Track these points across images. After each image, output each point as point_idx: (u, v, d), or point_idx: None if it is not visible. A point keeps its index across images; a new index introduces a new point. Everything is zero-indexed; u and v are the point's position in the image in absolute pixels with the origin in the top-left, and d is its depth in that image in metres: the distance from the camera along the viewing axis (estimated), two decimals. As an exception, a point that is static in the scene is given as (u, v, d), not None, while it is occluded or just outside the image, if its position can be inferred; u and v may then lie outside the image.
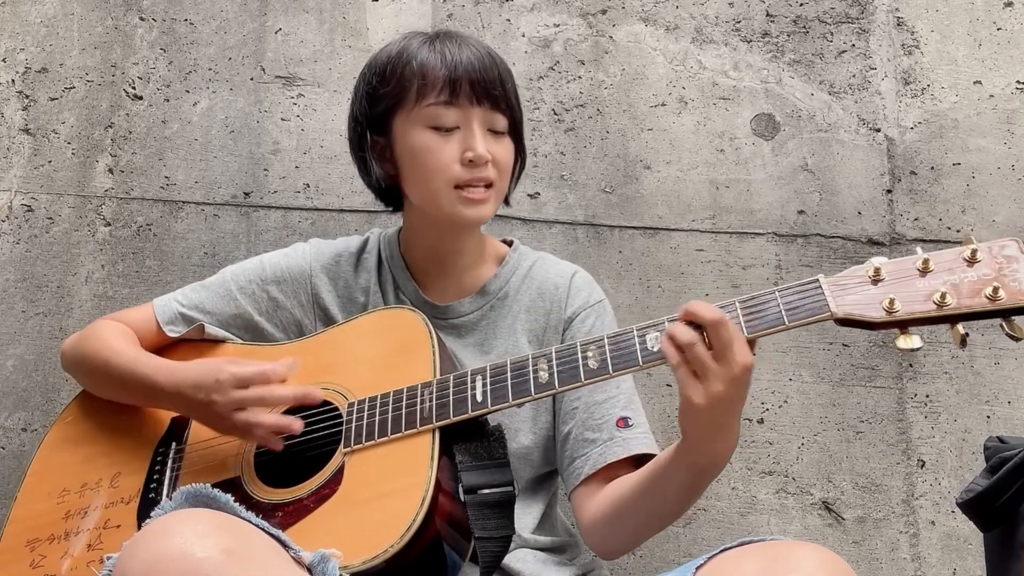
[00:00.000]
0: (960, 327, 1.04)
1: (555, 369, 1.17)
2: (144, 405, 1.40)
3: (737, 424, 1.14)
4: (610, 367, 1.14)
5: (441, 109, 1.32)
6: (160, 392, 1.32)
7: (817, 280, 1.09)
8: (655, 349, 1.13)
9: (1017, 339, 1.02)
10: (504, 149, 1.37)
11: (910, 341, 1.05)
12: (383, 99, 1.37)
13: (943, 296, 1.03)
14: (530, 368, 1.18)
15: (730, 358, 1.07)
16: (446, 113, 1.32)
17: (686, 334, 1.08)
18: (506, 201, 1.44)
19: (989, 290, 1.02)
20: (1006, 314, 1.02)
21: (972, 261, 1.04)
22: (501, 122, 1.36)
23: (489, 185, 1.34)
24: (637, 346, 1.14)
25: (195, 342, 1.44)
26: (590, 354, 1.16)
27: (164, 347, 1.45)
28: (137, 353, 1.39)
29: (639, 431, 1.34)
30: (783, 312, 1.09)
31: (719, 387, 1.07)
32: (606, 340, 1.16)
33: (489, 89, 1.34)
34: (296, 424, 1.24)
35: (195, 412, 1.30)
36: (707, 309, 1.08)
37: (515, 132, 1.40)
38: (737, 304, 1.12)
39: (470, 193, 1.33)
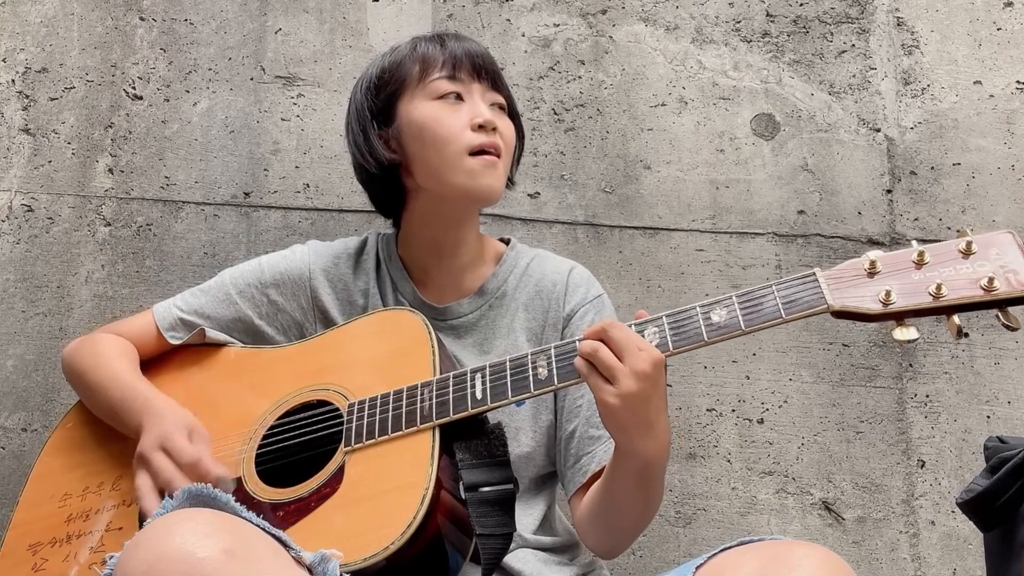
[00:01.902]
0: (956, 318, 1.05)
1: (554, 365, 1.18)
2: (125, 431, 1.37)
3: (663, 422, 1.16)
4: None
5: (445, 83, 1.37)
6: (138, 420, 1.31)
7: (813, 273, 1.10)
8: (653, 344, 1.13)
9: (1013, 329, 1.03)
10: (507, 125, 1.40)
11: (907, 332, 1.06)
12: (386, 86, 1.40)
13: (939, 287, 1.04)
14: (529, 365, 1.19)
15: (634, 353, 1.10)
16: (450, 86, 1.37)
17: (589, 344, 1.13)
18: (511, 181, 1.46)
19: (985, 281, 1.02)
20: (1002, 304, 1.03)
21: (967, 253, 1.05)
22: (501, 100, 1.41)
23: (499, 156, 1.36)
24: (579, 354, 1.15)
25: (197, 347, 1.44)
26: None
27: (166, 352, 1.45)
28: (129, 378, 1.38)
29: None
30: (780, 306, 1.10)
31: (630, 385, 1.10)
32: None
33: (487, 67, 1.39)
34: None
35: (140, 440, 1.29)
36: (598, 322, 1.15)
37: (513, 115, 1.44)
38: (734, 299, 1.12)
39: (485, 157, 1.34)
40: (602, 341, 1.12)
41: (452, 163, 1.34)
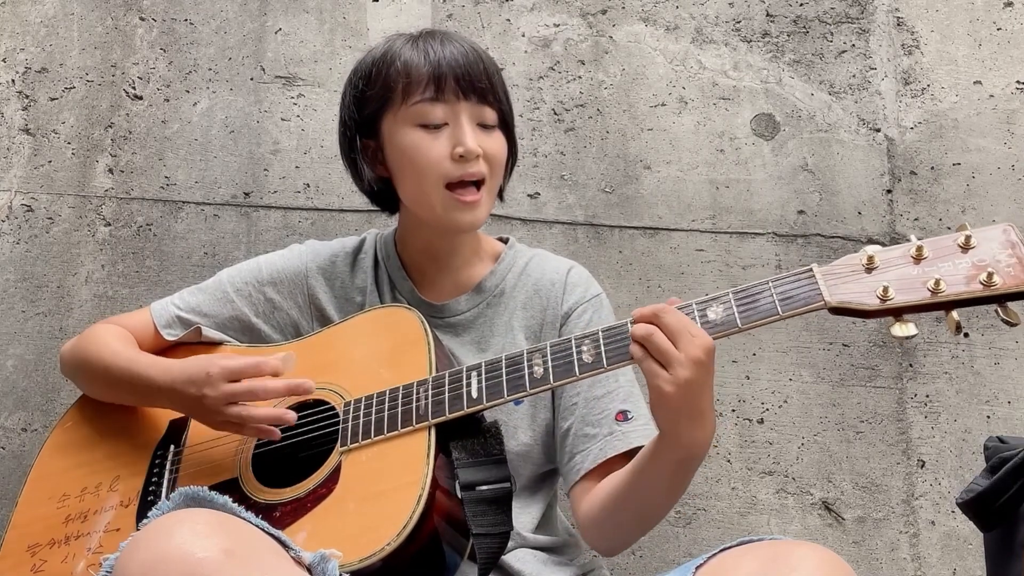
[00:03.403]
0: (955, 314, 1.04)
1: (550, 364, 1.17)
2: (142, 404, 1.39)
3: (711, 411, 1.14)
4: (604, 361, 1.14)
5: (428, 106, 1.32)
6: (156, 389, 1.31)
7: (811, 269, 1.09)
8: None
9: (1012, 324, 1.02)
10: (495, 143, 1.36)
11: (905, 329, 1.04)
12: (370, 101, 1.37)
13: (938, 283, 1.03)
14: (525, 363, 1.18)
15: (688, 340, 1.09)
16: (433, 110, 1.32)
17: (643, 328, 1.11)
18: (500, 196, 1.44)
19: (984, 276, 1.01)
20: (1001, 300, 1.02)
21: (966, 247, 1.04)
22: (490, 115, 1.35)
23: (481, 183, 1.34)
24: (632, 339, 1.13)
25: (193, 345, 1.44)
26: (584, 348, 1.16)
27: (162, 350, 1.45)
28: (134, 352, 1.39)
29: (638, 424, 1.33)
30: (776, 302, 1.09)
31: (685, 372, 1.08)
32: (600, 334, 1.16)
33: (475, 82, 1.33)
34: (289, 415, 1.23)
35: (189, 408, 1.30)
36: (650, 306, 1.12)
37: (505, 125, 1.39)
38: (731, 295, 1.12)
39: (462, 195, 1.32)
40: (656, 324, 1.11)
41: (429, 195, 1.33)
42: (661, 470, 1.19)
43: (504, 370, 1.19)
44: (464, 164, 1.31)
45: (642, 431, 1.33)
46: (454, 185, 1.32)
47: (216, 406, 1.24)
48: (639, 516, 1.26)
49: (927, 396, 1.93)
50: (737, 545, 1.05)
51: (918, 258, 1.06)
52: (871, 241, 2.01)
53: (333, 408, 1.27)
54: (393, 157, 1.36)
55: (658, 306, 1.12)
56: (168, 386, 1.29)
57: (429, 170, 1.32)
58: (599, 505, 1.28)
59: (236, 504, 1.04)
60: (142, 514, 1.27)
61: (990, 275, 1.01)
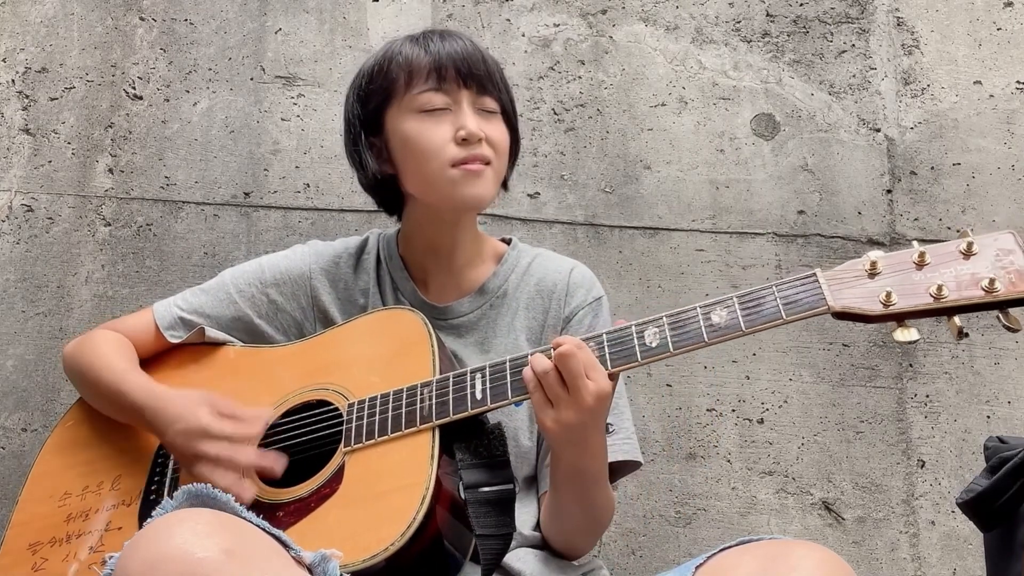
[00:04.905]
0: (957, 319, 1.05)
1: None
2: (125, 421, 1.38)
3: (597, 441, 1.18)
4: (608, 363, 1.15)
5: (430, 95, 1.33)
6: (140, 414, 1.31)
7: (814, 274, 1.10)
8: (653, 345, 1.13)
9: (1014, 330, 1.03)
10: (497, 129, 1.37)
11: (908, 334, 1.05)
12: (373, 96, 1.38)
13: (940, 288, 1.03)
14: None
15: (580, 387, 1.12)
16: (435, 97, 1.33)
17: (540, 363, 1.14)
18: (504, 186, 1.45)
19: (986, 282, 1.02)
20: (1003, 306, 1.03)
21: (968, 254, 1.05)
22: (491, 104, 1.37)
23: (487, 163, 1.34)
24: (635, 342, 1.14)
25: (196, 346, 1.44)
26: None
27: (165, 351, 1.45)
28: (128, 370, 1.38)
29: (619, 437, 1.35)
30: (780, 306, 1.10)
31: (569, 414, 1.12)
32: (604, 337, 1.16)
33: (475, 71, 1.35)
34: (248, 494, 1.20)
35: (165, 442, 1.30)
36: (563, 342, 1.14)
37: (507, 115, 1.41)
38: (735, 299, 1.12)
39: (469, 166, 1.32)
40: (556, 365, 1.13)
41: (435, 176, 1.33)
42: (563, 485, 1.24)
43: (508, 372, 1.19)
44: (468, 147, 1.33)
45: (621, 446, 1.35)
46: (459, 163, 1.33)
47: (185, 457, 1.26)
48: (567, 525, 1.30)
49: (927, 396, 1.93)
50: (737, 545, 1.06)
51: (920, 264, 1.06)
52: (871, 241, 2.01)
53: (337, 409, 1.27)
54: (397, 148, 1.37)
55: (565, 349, 1.13)
56: (151, 415, 1.30)
57: (433, 154, 1.33)
58: (544, 512, 1.33)
59: (238, 503, 1.04)
60: (144, 513, 1.27)
61: (991, 281, 1.02)
